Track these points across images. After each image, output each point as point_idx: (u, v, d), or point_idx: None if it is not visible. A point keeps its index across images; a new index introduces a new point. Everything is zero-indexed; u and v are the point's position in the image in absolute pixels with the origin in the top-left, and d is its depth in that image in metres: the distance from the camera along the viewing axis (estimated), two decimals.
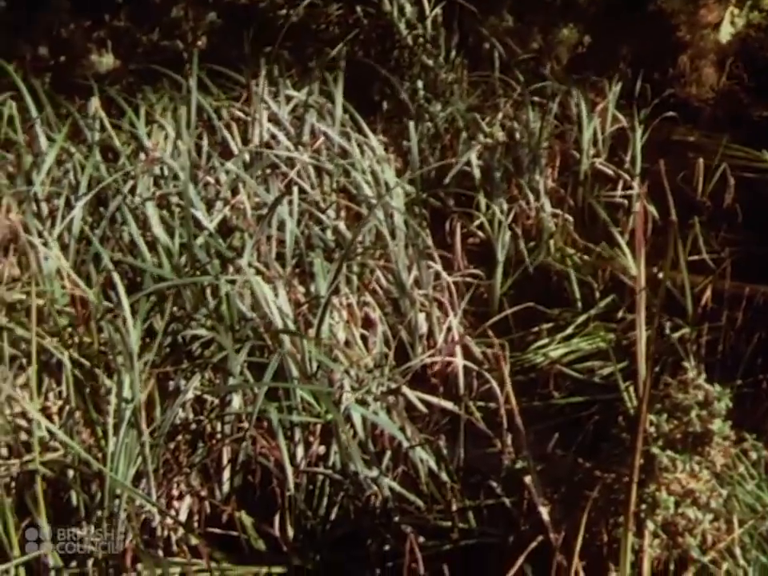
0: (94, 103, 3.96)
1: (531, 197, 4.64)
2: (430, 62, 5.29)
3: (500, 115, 5.02)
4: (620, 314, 4.16)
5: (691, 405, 2.62)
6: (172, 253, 3.48)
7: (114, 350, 2.99)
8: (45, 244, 3.35)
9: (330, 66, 4.69)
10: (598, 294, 4.35)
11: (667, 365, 3.44)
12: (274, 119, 4.26)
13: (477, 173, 4.65)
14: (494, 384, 3.35)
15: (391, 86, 5.00)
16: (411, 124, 4.57)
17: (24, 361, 3.10)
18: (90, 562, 2.83)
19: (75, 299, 3.26)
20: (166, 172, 3.81)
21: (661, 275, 3.77)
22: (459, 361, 3.62)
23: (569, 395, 3.78)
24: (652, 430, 2.61)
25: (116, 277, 3.12)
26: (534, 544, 2.49)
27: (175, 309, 3.31)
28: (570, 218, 4.69)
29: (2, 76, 3.92)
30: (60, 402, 3.11)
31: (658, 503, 2.52)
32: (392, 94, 5.07)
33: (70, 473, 2.88)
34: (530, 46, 5.83)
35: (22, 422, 2.98)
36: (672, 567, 2.60)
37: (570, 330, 4.15)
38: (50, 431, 2.91)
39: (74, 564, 2.82)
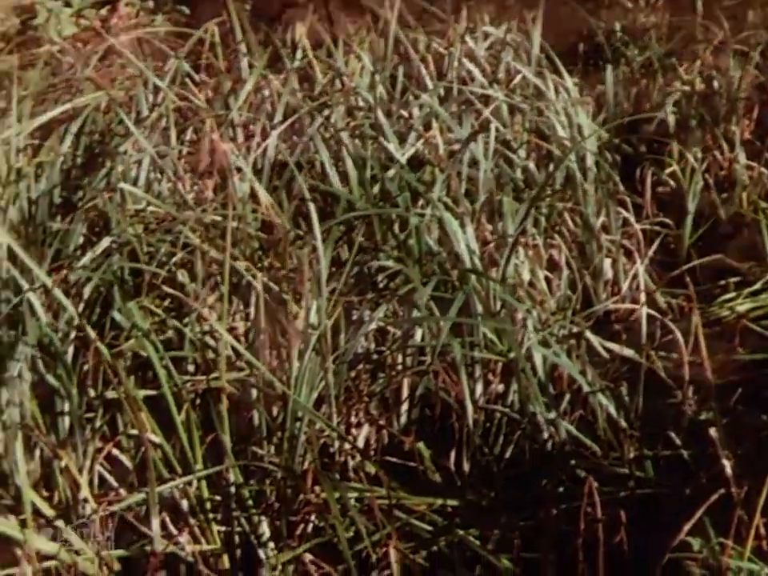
0: (299, 30, 4.00)
1: (726, 147, 4.52)
2: (629, 4, 5.19)
3: (698, 62, 4.91)
4: None
5: None
6: (363, 184, 3.50)
7: (302, 276, 3.03)
8: (239, 169, 3.41)
9: (528, 3, 4.64)
10: None
11: None
12: (470, 55, 4.24)
13: (671, 120, 4.56)
14: (678, 335, 3.29)
15: (589, 28, 4.93)
16: (609, 67, 4.50)
17: (214, 281, 3.17)
18: (269, 481, 2.89)
19: (266, 224, 3.32)
20: (360, 103, 3.83)
21: None
22: (643, 309, 3.57)
23: (754, 351, 3.70)
24: None
25: (310, 204, 3.16)
26: (714, 497, 2.45)
27: (363, 239, 3.34)
28: (766, 171, 4.55)
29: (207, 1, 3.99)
30: (247, 324, 3.18)
31: None
32: (589, 36, 4.99)
33: (254, 393, 2.94)
34: None
35: (210, 341, 3.05)
36: None
37: (758, 285, 4.04)
38: (236, 351, 2.97)
39: (252, 482, 2.88)
